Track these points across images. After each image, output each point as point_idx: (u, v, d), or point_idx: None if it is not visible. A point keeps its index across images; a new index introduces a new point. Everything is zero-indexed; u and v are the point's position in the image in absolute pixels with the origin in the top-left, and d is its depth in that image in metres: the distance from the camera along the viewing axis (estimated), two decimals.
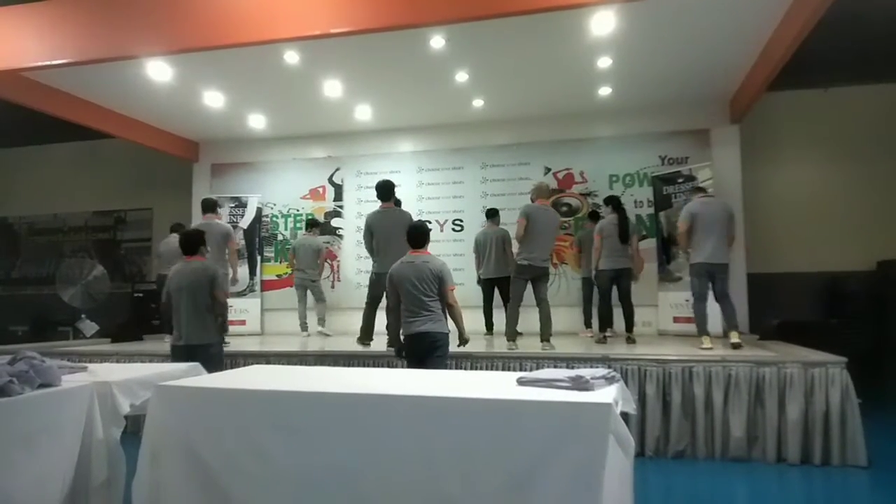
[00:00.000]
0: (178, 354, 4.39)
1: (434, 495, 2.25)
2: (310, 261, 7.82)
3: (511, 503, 2.16)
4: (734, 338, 5.34)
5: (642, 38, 5.94)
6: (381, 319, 5.43)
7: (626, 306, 6.40)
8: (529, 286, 5.68)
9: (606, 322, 6.47)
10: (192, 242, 4.59)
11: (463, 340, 4.62)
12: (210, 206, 6.80)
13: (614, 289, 6.42)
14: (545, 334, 5.54)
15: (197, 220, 8.88)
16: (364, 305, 6.06)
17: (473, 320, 7.47)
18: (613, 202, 6.65)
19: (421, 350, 4.32)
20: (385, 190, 5.87)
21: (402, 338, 4.44)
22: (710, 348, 5.32)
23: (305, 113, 8.11)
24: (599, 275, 6.43)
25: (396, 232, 5.50)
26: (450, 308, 4.43)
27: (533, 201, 5.83)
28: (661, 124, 7.89)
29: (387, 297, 4.56)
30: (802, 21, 4.93)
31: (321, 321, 7.82)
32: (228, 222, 8.75)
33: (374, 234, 5.77)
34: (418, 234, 4.47)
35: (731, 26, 5.66)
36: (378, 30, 5.06)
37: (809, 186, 8.24)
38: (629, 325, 6.38)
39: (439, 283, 4.32)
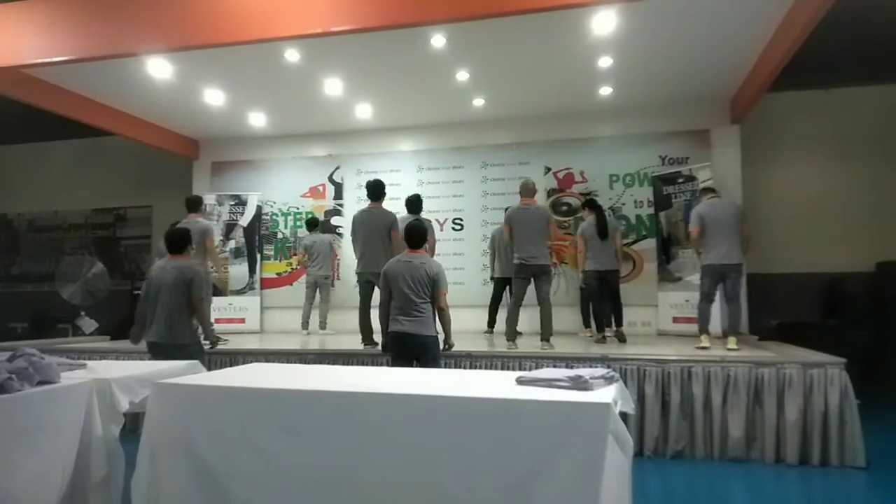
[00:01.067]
0: (156, 352, 4.39)
1: (434, 494, 2.26)
2: (327, 257, 7.87)
3: (510, 502, 2.16)
4: (731, 343, 5.32)
5: (643, 38, 5.94)
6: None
7: (614, 304, 6.43)
8: (533, 286, 5.69)
9: (603, 322, 6.47)
10: (179, 241, 4.59)
11: (448, 345, 4.63)
12: (194, 205, 6.72)
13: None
14: (545, 334, 5.55)
15: None
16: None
17: (475, 318, 7.54)
18: (590, 203, 6.72)
19: (405, 350, 4.35)
20: (373, 189, 5.82)
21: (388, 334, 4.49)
22: (708, 347, 5.33)
23: (306, 111, 8.11)
24: (586, 276, 6.47)
25: (374, 232, 5.54)
26: (440, 311, 4.43)
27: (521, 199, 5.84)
28: (661, 124, 7.89)
29: (380, 292, 4.59)
30: (804, 21, 4.93)
31: (323, 323, 7.84)
32: (228, 220, 8.80)
33: (354, 233, 5.79)
34: (416, 234, 4.48)
35: (732, 26, 5.65)
36: (379, 28, 5.07)
37: (809, 187, 8.23)
38: (618, 320, 6.40)
39: (433, 286, 4.34)
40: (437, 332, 4.46)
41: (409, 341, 4.32)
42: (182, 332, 4.42)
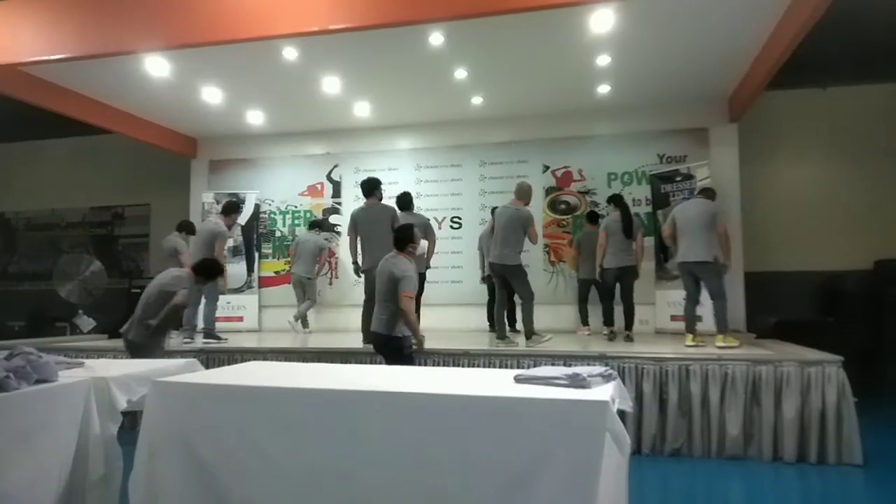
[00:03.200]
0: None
1: (431, 492, 2.26)
2: (308, 258, 7.84)
3: (507, 500, 2.17)
4: (718, 341, 5.31)
5: (641, 36, 5.94)
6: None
7: (626, 305, 6.39)
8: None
9: (610, 320, 6.49)
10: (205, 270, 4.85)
11: (414, 345, 4.57)
12: (223, 209, 6.96)
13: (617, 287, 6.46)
14: (527, 332, 5.59)
15: (195, 216, 8.91)
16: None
17: (473, 316, 7.55)
18: (615, 199, 6.68)
19: (376, 348, 4.56)
20: (367, 186, 5.93)
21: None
22: (694, 346, 5.37)
23: (304, 109, 8.10)
24: (604, 273, 6.45)
25: (378, 227, 5.60)
26: (399, 312, 4.39)
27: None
28: (659, 123, 7.89)
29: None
30: (802, 20, 4.93)
31: (300, 317, 7.76)
32: None
33: (357, 230, 5.84)
34: (400, 236, 4.61)
35: (731, 25, 5.65)
36: (377, 26, 5.06)
37: (807, 185, 8.25)
38: (629, 322, 6.38)
39: (395, 287, 4.35)
40: (402, 335, 4.45)
41: (376, 339, 4.53)
42: (138, 330, 4.58)
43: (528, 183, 5.96)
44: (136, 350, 4.58)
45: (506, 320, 5.96)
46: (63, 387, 2.74)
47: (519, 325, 5.96)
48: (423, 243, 4.67)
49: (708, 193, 5.89)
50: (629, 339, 6.25)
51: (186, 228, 7.24)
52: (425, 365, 5.07)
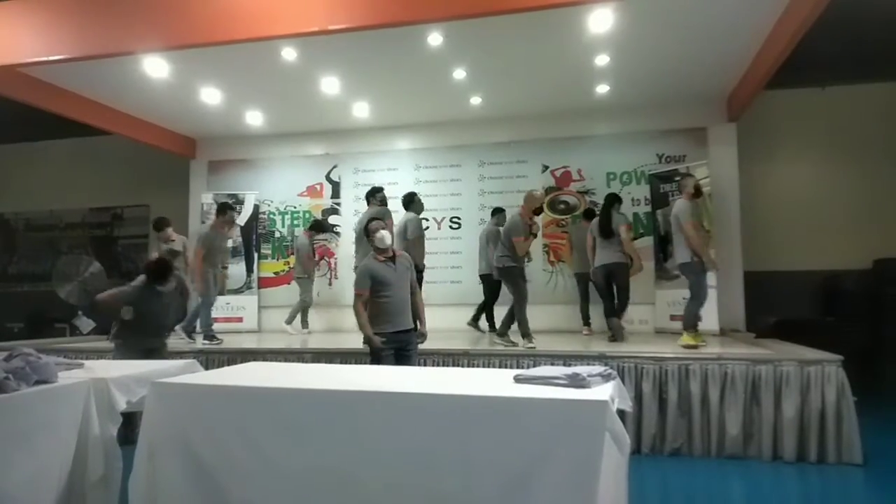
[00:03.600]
0: None
1: (431, 492, 2.26)
2: (298, 257, 7.96)
3: (507, 500, 2.17)
4: (681, 340, 5.42)
5: (640, 36, 5.94)
6: None
7: (621, 297, 6.34)
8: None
9: (610, 313, 6.48)
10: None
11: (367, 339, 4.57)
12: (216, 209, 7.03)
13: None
14: (521, 333, 5.62)
15: (194, 216, 8.93)
16: None
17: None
18: (608, 199, 6.69)
19: None
20: (366, 195, 6.32)
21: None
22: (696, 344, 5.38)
23: (303, 110, 8.09)
24: (595, 273, 6.49)
25: (361, 230, 5.75)
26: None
27: None
28: (658, 122, 7.89)
29: None
30: (801, 19, 4.94)
31: (292, 319, 7.76)
32: None
33: (358, 240, 6.05)
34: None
35: (729, 24, 5.66)
36: (376, 27, 5.06)
37: (806, 185, 8.26)
38: (621, 307, 6.32)
39: None
40: (371, 334, 4.42)
41: None
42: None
43: (537, 193, 5.88)
44: (113, 347, 4.75)
45: (506, 320, 5.97)
46: (63, 388, 2.75)
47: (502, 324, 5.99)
48: (384, 234, 4.54)
49: (684, 187, 5.75)
50: (619, 324, 6.21)
51: (155, 225, 7.34)
52: (425, 365, 5.08)
